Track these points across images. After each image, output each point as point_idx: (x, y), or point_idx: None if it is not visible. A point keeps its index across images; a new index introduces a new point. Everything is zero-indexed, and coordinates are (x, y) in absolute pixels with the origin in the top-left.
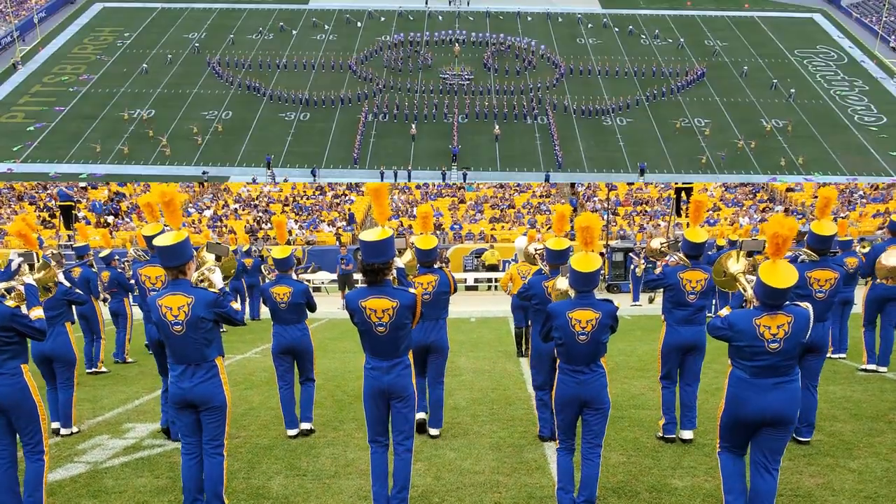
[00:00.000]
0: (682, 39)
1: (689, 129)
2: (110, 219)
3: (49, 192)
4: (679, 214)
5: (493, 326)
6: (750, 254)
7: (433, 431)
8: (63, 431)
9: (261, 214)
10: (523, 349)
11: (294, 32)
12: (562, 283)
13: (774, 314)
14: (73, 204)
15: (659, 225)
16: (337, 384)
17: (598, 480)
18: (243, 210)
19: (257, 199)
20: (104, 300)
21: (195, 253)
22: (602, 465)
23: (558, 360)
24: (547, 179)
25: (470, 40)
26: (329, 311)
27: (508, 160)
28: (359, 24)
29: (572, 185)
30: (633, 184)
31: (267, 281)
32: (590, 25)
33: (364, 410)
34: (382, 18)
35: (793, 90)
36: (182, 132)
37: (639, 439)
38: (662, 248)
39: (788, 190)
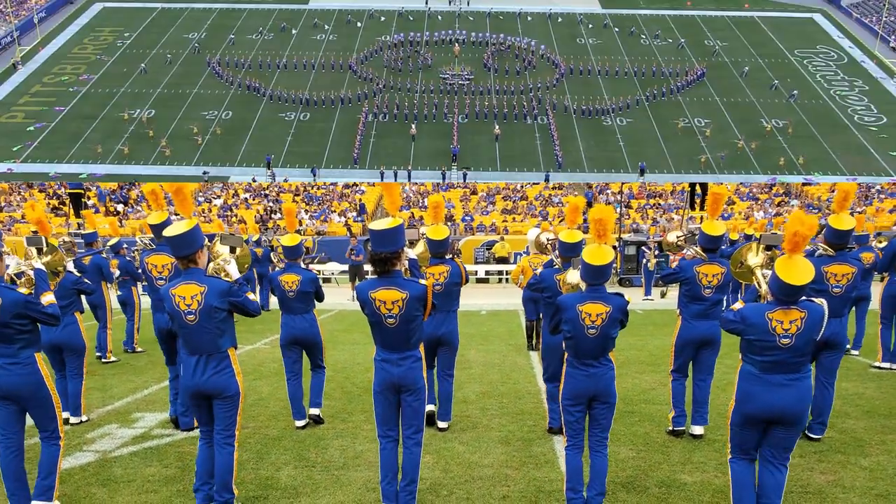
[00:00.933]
0: (682, 39)
1: (689, 129)
2: (120, 207)
3: (58, 179)
4: (693, 208)
5: (503, 319)
6: (769, 247)
7: (442, 424)
8: (72, 420)
9: (271, 204)
10: (534, 342)
11: (294, 32)
12: (572, 276)
13: (788, 309)
14: (82, 192)
15: (672, 218)
16: (346, 376)
17: (608, 475)
18: (253, 200)
19: (267, 188)
20: (117, 288)
21: (207, 243)
22: (611, 460)
23: (566, 354)
24: (547, 179)
25: (470, 40)
26: (338, 302)
27: (508, 160)
28: (359, 24)
29: None
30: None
31: (276, 269)
32: (590, 25)
33: (374, 404)
34: (382, 18)
35: (795, 91)
36: (182, 132)
37: (649, 434)
38: (679, 242)
39: (805, 184)
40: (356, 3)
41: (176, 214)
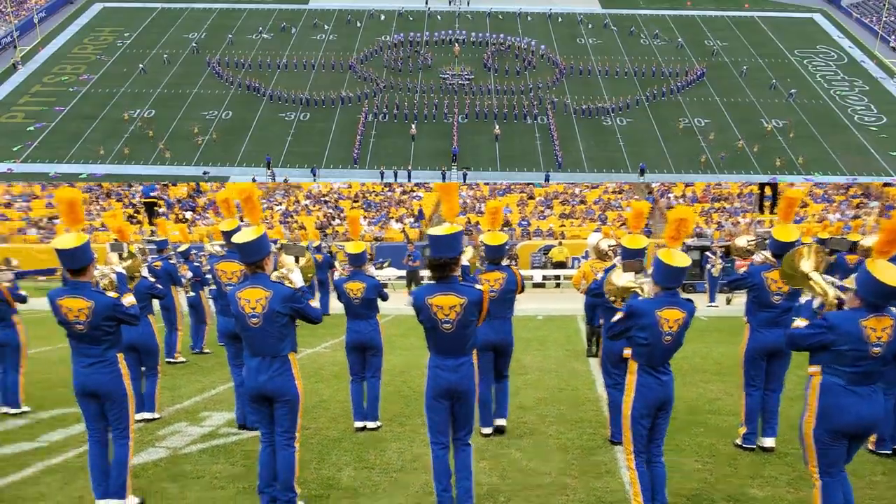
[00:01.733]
0: (681, 39)
1: (689, 129)
2: (188, 214)
3: (134, 189)
4: (761, 211)
5: (560, 325)
6: (832, 252)
7: (499, 422)
8: (147, 416)
9: (331, 211)
10: (594, 349)
11: (294, 32)
12: (620, 277)
13: (881, 316)
14: (155, 200)
15: (738, 222)
16: (403, 380)
17: (671, 487)
18: (314, 206)
19: (327, 195)
20: (189, 289)
21: (274, 250)
22: (676, 472)
23: (634, 363)
24: (547, 179)
25: (470, 40)
26: (395, 307)
27: (508, 160)
28: (359, 24)
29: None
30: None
31: (339, 277)
32: (590, 25)
33: (426, 410)
34: (382, 18)
35: (793, 90)
36: (182, 132)
37: (715, 446)
38: (749, 247)
39: (885, 185)
40: (356, 3)
41: (243, 221)
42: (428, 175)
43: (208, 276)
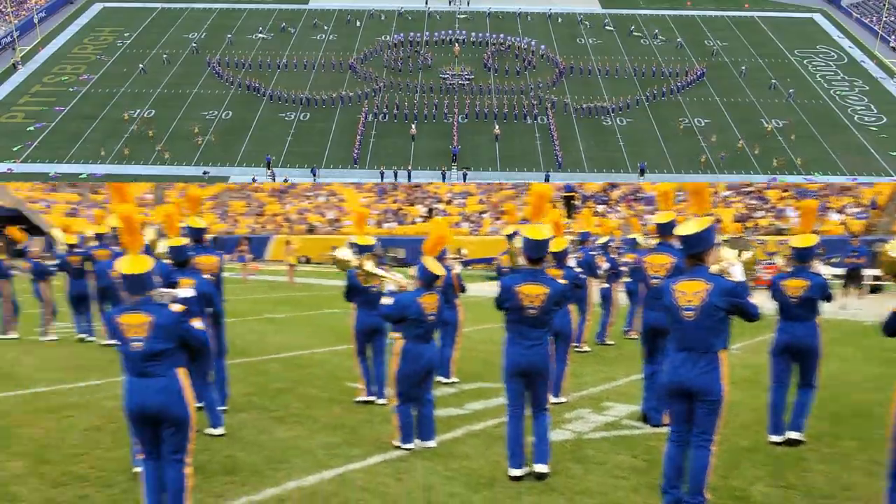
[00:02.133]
0: (681, 39)
1: (689, 129)
2: (600, 207)
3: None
4: None
5: None
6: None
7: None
8: (553, 399)
9: (753, 202)
10: None
11: (294, 32)
12: None
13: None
14: (573, 195)
15: None
16: (832, 393)
17: None
18: (735, 197)
19: (749, 186)
20: (605, 280)
21: (717, 242)
22: None
23: None
24: (547, 180)
25: (470, 40)
26: (829, 309)
27: (508, 160)
28: (359, 23)
29: None
30: None
31: (775, 273)
32: (590, 25)
33: (893, 438)
34: (383, 18)
35: (792, 90)
36: (182, 132)
37: None
38: None
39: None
40: (356, 3)
41: (678, 213)
42: (428, 175)
43: (623, 268)
